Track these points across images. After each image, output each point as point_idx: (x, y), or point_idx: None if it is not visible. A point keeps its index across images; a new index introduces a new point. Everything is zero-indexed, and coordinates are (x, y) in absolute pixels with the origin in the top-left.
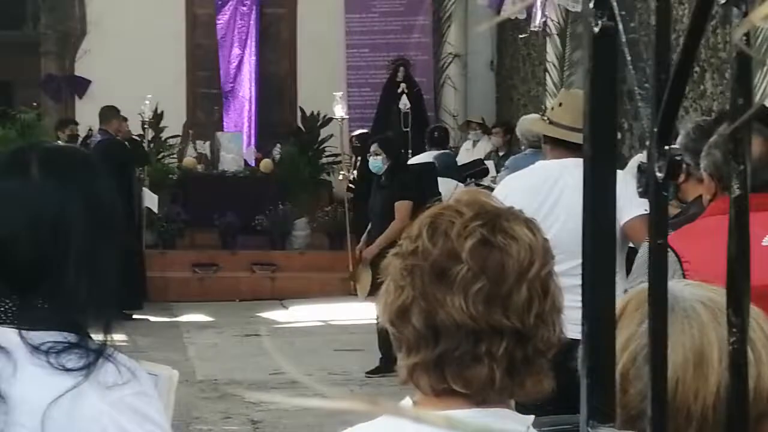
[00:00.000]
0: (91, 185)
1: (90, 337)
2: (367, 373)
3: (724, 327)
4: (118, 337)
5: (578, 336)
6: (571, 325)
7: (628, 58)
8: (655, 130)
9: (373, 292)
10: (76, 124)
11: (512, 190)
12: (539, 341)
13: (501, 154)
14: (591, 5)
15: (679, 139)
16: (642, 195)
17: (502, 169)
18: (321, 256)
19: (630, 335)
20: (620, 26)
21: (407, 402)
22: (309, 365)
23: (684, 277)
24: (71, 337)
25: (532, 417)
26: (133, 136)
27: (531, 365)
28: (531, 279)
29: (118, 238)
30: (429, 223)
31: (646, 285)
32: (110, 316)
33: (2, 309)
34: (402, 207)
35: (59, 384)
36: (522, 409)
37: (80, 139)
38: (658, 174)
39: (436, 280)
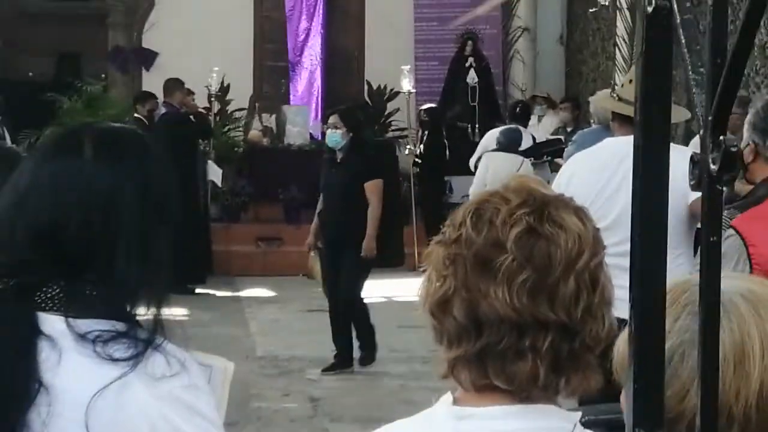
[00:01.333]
0: (145, 167)
1: (140, 326)
2: (324, 370)
3: (765, 320)
4: (180, 312)
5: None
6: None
7: (682, 40)
8: (710, 118)
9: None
10: (156, 98)
11: (579, 167)
12: (587, 336)
13: (569, 129)
14: None
15: (749, 116)
16: (695, 188)
17: (569, 143)
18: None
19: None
20: (674, 5)
21: (447, 398)
22: None
23: (750, 260)
24: (119, 326)
25: (579, 413)
26: (199, 109)
27: (577, 361)
28: (579, 270)
29: (171, 221)
30: (474, 210)
31: (680, 276)
32: (161, 302)
33: (49, 295)
34: (375, 187)
35: (105, 374)
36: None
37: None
38: (712, 166)
39: (480, 270)
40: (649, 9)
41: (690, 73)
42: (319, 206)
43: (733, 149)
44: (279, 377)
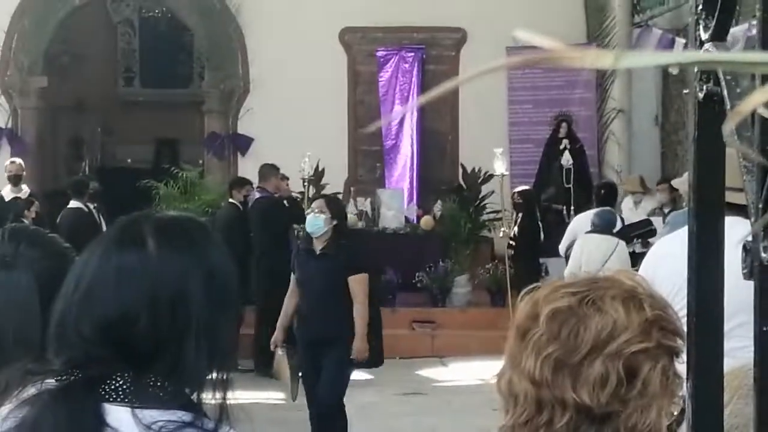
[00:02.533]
0: (208, 256)
1: (206, 416)
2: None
3: None
4: (277, 396)
5: None
6: None
7: (733, 128)
8: (760, 206)
9: (295, 379)
10: (251, 184)
11: (669, 249)
12: (622, 425)
13: (666, 210)
14: (695, 69)
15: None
16: (746, 277)
17: (664, 225)
18: (482, 314)
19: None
20: (725, 92)
21: None
22: (467, 423)
23: None
24: (185, 416)
25: None
26: (293, 194)
27: None
28: (608, 354)
29: (235, 310)
30: (530, 288)
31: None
32: (226, 390)
33: (115, 386)
34: (362, 281)
35: None
36: None
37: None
38: (764, 255)
39: (519, 341)
40: (701, 95)
41: (740, 159)
42: (290, 299)
43: None
44: None
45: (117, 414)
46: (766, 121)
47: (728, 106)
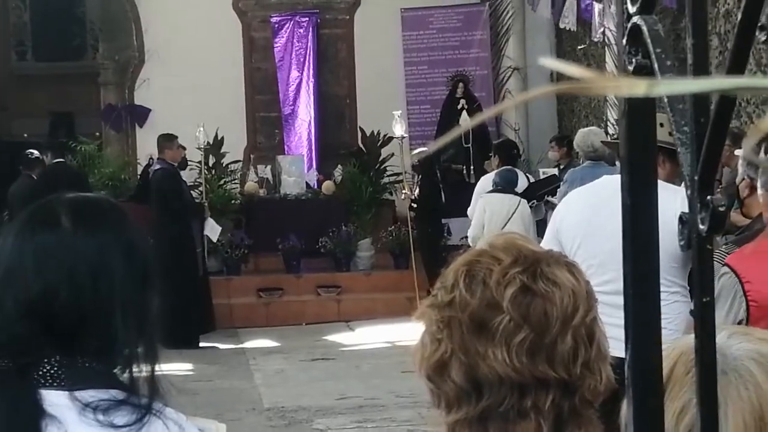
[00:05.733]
0: (125, 232)
1: (137, 393)
2: None
3: None
4: (185, 366)
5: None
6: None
7: (665, 99)
8: (696, 178)
9: None
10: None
11: (572, 206)
12: (586, 391)
13: (561, 167)
14: (624, 41)
15: (742, 151)
16: (684, 248)
17: (561, 183)
18: (386, 277)
19: (684, 404)
20: (656, 65)
21: None
22: (376, 388)
23: (746, 298)
24: (118, 394)
25: None
26: (191, 164)
27: (579, 417)
28: (576, 326)
29: (156, 285)
30: (466, 271)
31: (692, 339)
32: (155, 364)
33: (47, 371)
34: None
35: None
36: None
37: (141, 168)
38: (701, 226)
39: (476, 332)
40: (630, 68)
41: (675, 132)
42: None
43: (721, 209)
44: (287, 428)
45: (53, 399)
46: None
47: (659, 78)
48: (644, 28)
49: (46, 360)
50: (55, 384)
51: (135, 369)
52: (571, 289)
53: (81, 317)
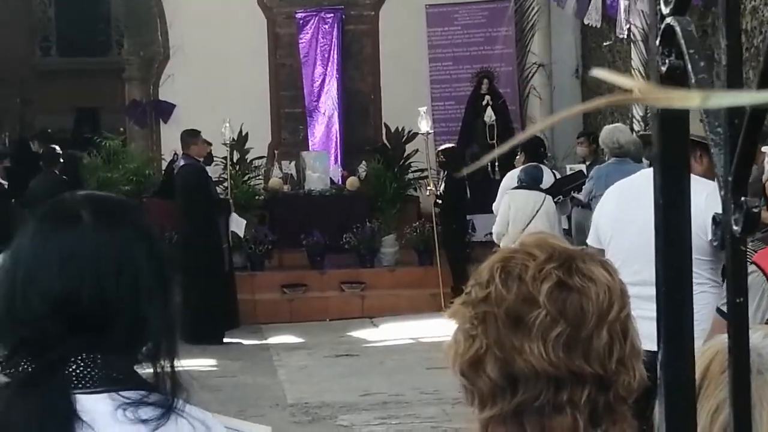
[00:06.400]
0: (144, 227)
1: (161, 390)
2: None
3: None
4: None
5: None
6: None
7: None
8: (730, 179)
9: None
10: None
11: (608, 199)
12: (620, 387)
13: (587, 163)
14: (657, 42)
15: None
16: (718, 249)
17: (587, 180)
18: (410, 273)
19: (719, 403)
20: (689, 66)
21: None
22: (400, 384)
23: None
24: (143, 391)
25: None
26: (216, 159)
27: (614, 413)
28: (611, 322)
29: (175, 279)
30: (501, 267)
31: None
32: (177, 360)
33: (73, 371)
34: None
35: (137, 430)
36: None
37: (165, 164)
38: (735, 227)
39: (512, 326)
40: (663, 69)
41: (708, 133)
42: None
43: (755, 210)
44: (310, 425)
45: (84, 403)
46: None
47: (692, 80)
48: (678, 29)
49: (72, 359)
50: (81, 384)
51: (159, 365)
52: (606, 285)
53: (107, 313)
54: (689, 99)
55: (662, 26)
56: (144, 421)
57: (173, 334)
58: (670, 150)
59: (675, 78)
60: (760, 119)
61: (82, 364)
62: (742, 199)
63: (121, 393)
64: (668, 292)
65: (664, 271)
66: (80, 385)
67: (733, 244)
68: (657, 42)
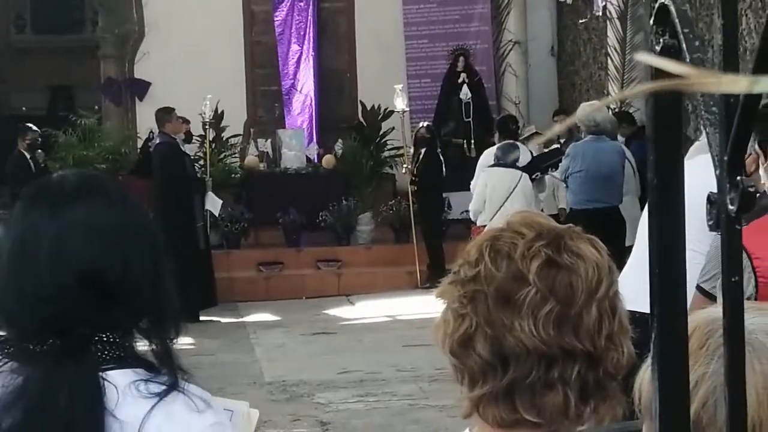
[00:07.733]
0: (135, 207)
1: (161, 372)
2: None
3: None
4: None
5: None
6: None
7: None
8: (725, 158)
9: None
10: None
11: None
12: (609, 364)
13: (562, 141)
14: (651, 22)
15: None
16: (712, 228)
17: (564, 157)
18: (386, 251)
19: (699, 377)
20: (683, 45)
21: None
22: (377, 362)
23: (755, 274)
24: (148, 368)
25: None
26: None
27: (603, 389)
28: (600, 299)
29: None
30: (489, 246)
31: (707, 314)
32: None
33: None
34: None
35: (149, 404)
36: None
37: (142, 142)
38: (731, 207)
39: (502, 304)
40: (657, 48)
41: (703, 112)
42: None
43: (751, 189)
44: (288, 402)
45: (112, 379)
46: (728, 72)
47: (687, 59)
48: (672, 8)
49: (96, 338)
50: (103, 359)
51: (164, 342)
52: (595, 262)
53: (130, 288)
54: (737, 83)
55: (656, 5)
56: (154, 395)
57: (174, 311)
58: (664, 131)
59: (668, 57)
60: (757, 98)
61: (105, 338)
62: (738, 178)
63: (135, 369)
64: (661, 272)
65: (657, 250)
66: (100, 362)
67: (728, 223)
68: (651, 21)
